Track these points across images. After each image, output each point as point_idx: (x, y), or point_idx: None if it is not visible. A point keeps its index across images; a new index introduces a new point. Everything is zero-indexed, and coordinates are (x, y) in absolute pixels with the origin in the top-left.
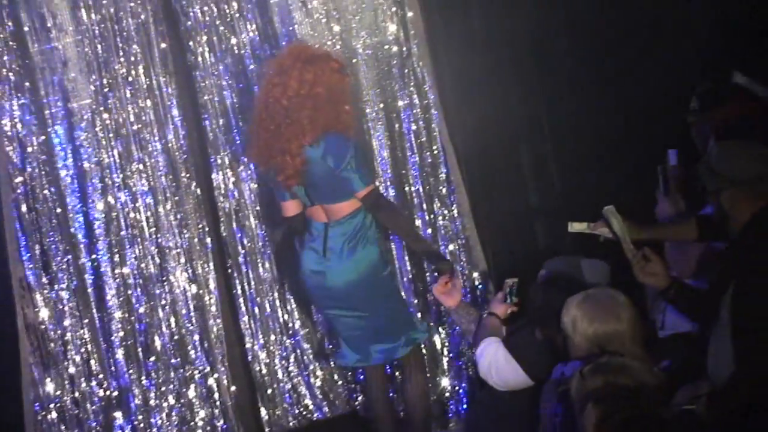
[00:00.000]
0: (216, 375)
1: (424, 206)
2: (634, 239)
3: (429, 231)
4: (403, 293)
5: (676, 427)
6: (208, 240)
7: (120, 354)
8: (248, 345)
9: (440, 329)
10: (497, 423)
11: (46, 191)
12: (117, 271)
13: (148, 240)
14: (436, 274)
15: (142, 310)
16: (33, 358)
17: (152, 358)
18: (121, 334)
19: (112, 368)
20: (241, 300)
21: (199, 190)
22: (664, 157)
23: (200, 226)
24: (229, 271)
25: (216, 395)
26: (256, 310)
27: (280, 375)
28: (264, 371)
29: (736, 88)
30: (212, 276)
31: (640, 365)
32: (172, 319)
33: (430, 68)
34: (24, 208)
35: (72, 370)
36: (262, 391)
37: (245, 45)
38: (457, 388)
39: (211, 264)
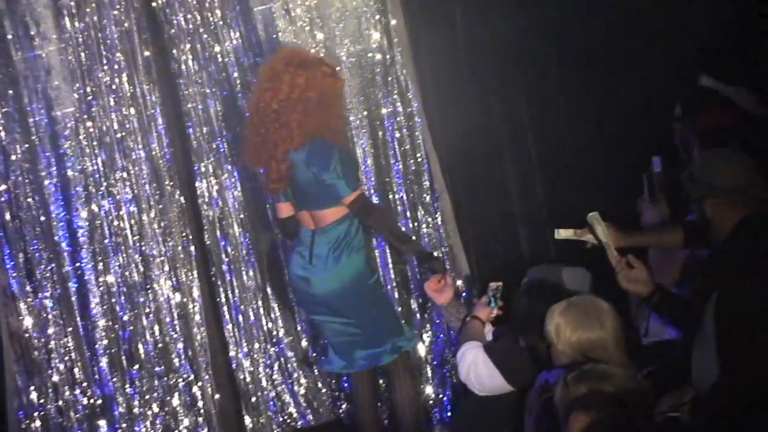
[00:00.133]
0: (200, 383)
1: (408, 214)
2: (620, 246)
3: (413, 239)
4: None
5: None
6: (192, 248)
7: (104, 362)
8: (232, 353)
9: (424, 337)
10: (482, 430)
11: (29, 199)
12: (101, 279)
13: (132, 248)
14: (431, 273)
15: (126, 318)
16: (17, 367)
17: (136, 367)
18: (105, 342)
19: (96, 376)
20: (225, 308)
21: (182, 198)
22: (648, 163)
23: (184, 234)
24: (213, 279)
25: (200, 403)
26: (240, 318)
27: (264, 383)
28: (248, 379)
29: (719, 96)
30: (196, 284)
31: (624, 372)
32: (156, 328)
33: (413, 76)
34: (7, 216)
35: (56, 378)
36: (246, 399)
37: (229, 53)
38: (441, 395)
39: (195, 272)
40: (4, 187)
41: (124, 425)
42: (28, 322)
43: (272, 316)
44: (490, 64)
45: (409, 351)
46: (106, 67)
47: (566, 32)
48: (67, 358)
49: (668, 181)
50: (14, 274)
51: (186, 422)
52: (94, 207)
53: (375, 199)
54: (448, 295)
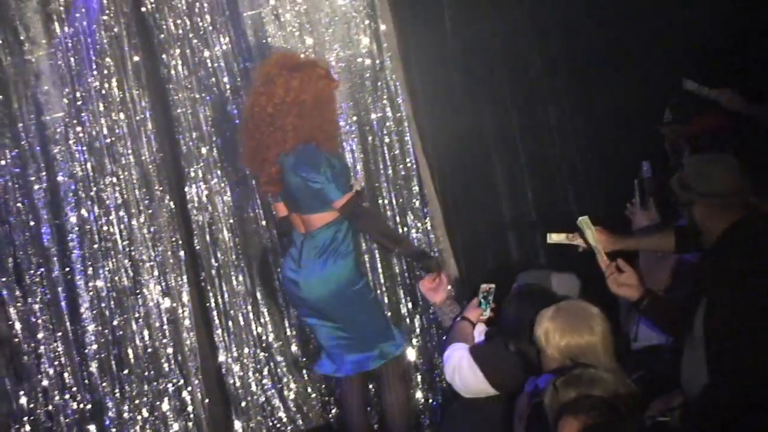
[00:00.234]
0: (190, 388)
1: (398, 219)
2: (612, 249)
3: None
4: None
5: None
6: (182, 253)
7: (94, 367)
8: (222, 358)
9: (413, 341)
10: None
11: (19, 204)
12: (90, 284)
13: (122, 253)
14: (425, 271)
15: (115, 323)
16: (6, 372)
17: (126, 371)
18: (95, 347)
19: (86, 381)
20: (214, 313)
21: (172, 203)
22: (638, 168)
23: (174, 239)
24: (203, 284)
25: (190, 408)
26: (230, 323)
27: (253, 388)
28: (238, 384)
29: (709, 101)
30: (186, 289)
31: (613, 377)
32: (146, 332)
33: (403, 81)
34: None
35: (45, 383)
36: (236, 404)
37: (218, 58)
38: (430, 400)
39: (185, 277)
40: None
41: (114, 430)
42: (17, 326)
43: (262, 320)
44: (480, 69)
45: (399, 356)
46: (95, 72)
47: (556, 37)
48: (56, 362)
49: (658, 186)
50: (3, 279)
51: (176, 427)
52: (83, 212)
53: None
54: (443, 293)
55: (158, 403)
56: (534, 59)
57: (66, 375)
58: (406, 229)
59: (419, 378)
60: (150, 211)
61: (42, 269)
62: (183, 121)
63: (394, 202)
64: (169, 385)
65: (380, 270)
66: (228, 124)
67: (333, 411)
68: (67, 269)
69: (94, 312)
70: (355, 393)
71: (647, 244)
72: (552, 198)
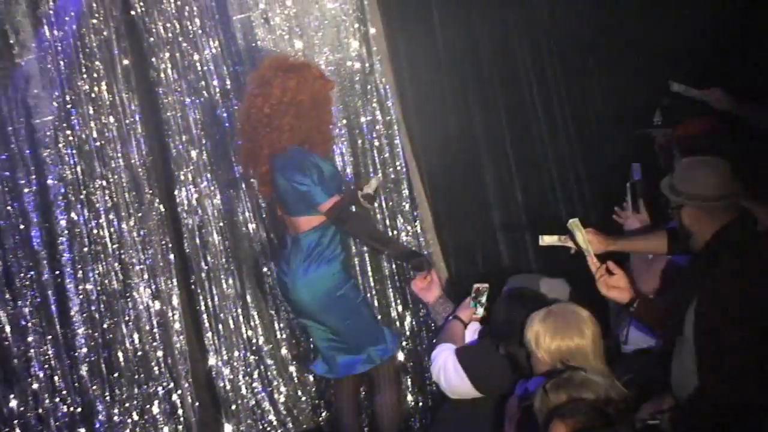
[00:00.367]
0: (180, 391)
1: (388, 222)
2: (605, 251)
3: (394, 240)
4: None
5: None
6: (172, 256)
7: (84, 370)
8: (212, 361)
9: (403, 344)
10: None
11: (9, 207)
12: (80, 287)
13: (111, 256)
14: (416, 271)
15: (105, 326)
16: None
17: (116, 375)
18: (85, 350)
19: (76, 384)
20: (204, 316)
21: (162, 207)
22: (628, 171)
23: (163, 242)
24: (193, 287)
25: (180, 411)
26: (220, 326)
27: (244, 391)
28: (228, 387)
29: (698, 103)
30: (176, 292)
31: (603, 380)
32: (136, 336)
33: (392, 84)
34: None
35: (36, 386)
36: (226, 407)
37: (208, 61)
38: (420, 404)
39: (175, 280)
40: None
41: None
42: (7, 329)
43: (252, 323)
44: (469, 72)
45: (390, 359)
46: (85, 76)
47: (545, 40)
48: (46, 366)
49: (648, 188)
50: None
51: (166, 430)
52: (73, 215)
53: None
54: (436, 292)
55: (148, 406)
56: (524, 61)
57: (56, 378)
58: (396, 232)
59: (409, 381)
60: (140, 215)
61: (32, 272)
62: (173, 124)
63: (384, 205)
64: (159, 388)
65: (370, 272)
66: (218, 127)
67: (323, 414)
68: (57, 272)
69: (84, 315)
70: (346, 395)
71: (640, 245)
72: (542, 200)
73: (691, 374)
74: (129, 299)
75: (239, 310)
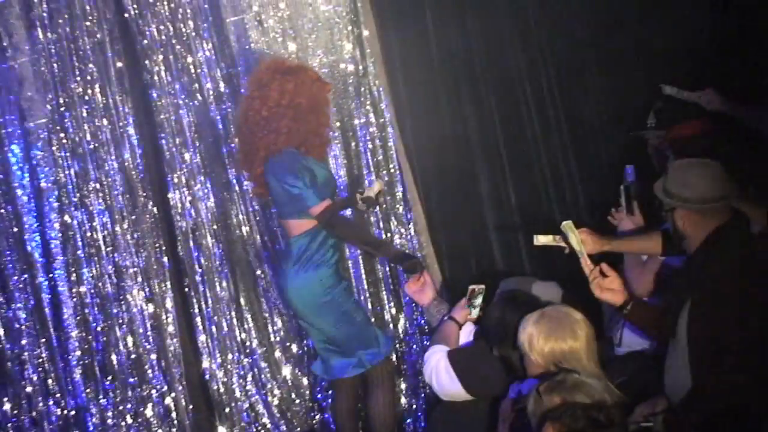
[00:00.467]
0: (173, 394)
1: (381, 224)
2: (600, 251)
3: (386, 242)
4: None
5: None
6: (165, 259)
7: (77, 373)
8: (206, 364)
9: (397, 347)
10: None
11: (2, 210)
12: (74, 290)
13: (105, 259)
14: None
15: (99, 329)
16: None
17: (110, 377)
18: (79, 353)
19: (70, 387)
20: (198, 319)
21: (155, 209)
22: (622, 173)
23: (157, 245)
24: (186, 290)
25: (173, 414)
26: (214, 329)
27: (237, 394)
28: (221, 390)
29: (691, 105)
30: (169, 295)
31: (597, 383)
32: (130, 338)
33: (386, 86)
34: None
35: (29, 389)
36: (219, 410)
37: (201, 64)
38: (414, 406)
39: (168, 283)
40: None
41: None
42: (1, 332)
43: (246, 326)
44: (462, 74)
45: (384, 361)
46: (78, 78)
47: (539, 42)
48: (40, 369)
49: (642, 190)
50: None
51: None
52: (67, 218)
53: (348, 210)
54: (430, 294)
55: (142, 409)
56: (517, 63)
57: (50, 381)
58: (389, 234)
59: (403, 383)
60: (133, 217)
61: (25, 275)
62: (166, 126)
63: (377, 207)
64: (153, 391)
65: (364, 275)
66: (211, 129)
67: (317, 416)
68: (51, 275)
69: (78, 318)
70: (342, 396)
71: (634, 246)
72: (535, 202)
73: (685, 376)
74: (123, 302)
75: (233, 313)
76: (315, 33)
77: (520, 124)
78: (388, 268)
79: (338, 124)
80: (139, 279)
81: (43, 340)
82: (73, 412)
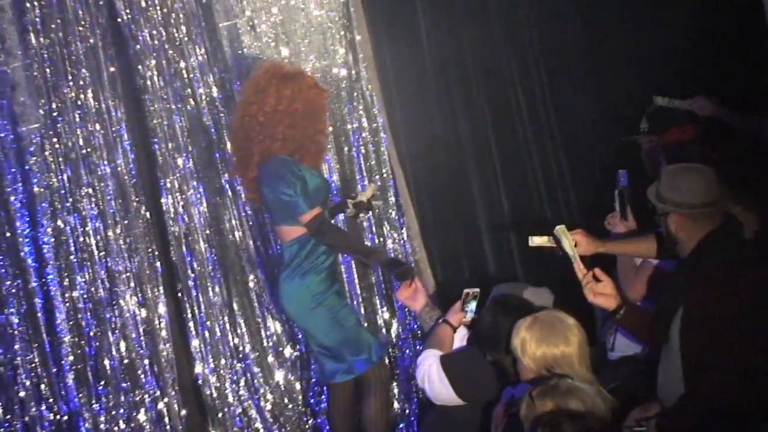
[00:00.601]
0: (166, 399)
1: (374, 229)
2: (594, 252)
3: (376, 250)
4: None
5: None
6: (158, 264)
7: (70, 378)
8: (198, 369)
9: (390, 352)
10: None
11: None
12: (67, 295)
13: (98, 264)
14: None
15: (91, 334)
16: None
17: (102, 383)
18: (71, 358)
19: (63, 392)
20: (191, 324)
21: (148, 214)
22: (613, 176)
23: (150, 250)
24: (179, 295)
25: (166, 419)
26: (206, 333)
27: (230, 399)
28: (214, 395)
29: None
30: (162, 300)
31: (590, 387)
32: (122, 343)
33: (378, 91)
34: None
35: (22, 394)
36: (212, 415)
37: (194, 68)
38: (407, 411)
39: (161, 288)
40: None
41: None
42: None
43: (238, 331)
44: (455, 78)
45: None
46: (71, 83)
47: (530, 46)
48: (33, 374)
49: (635, 194)
50: None
51: None
52: (59, 223)
53: (340, 216)
54: (422, 300)
55: (135, 414)
56: (509, 67)
57: (43, 386)
58: (382, 239)
59: (395, 388)
60: (126, 222)
61: (18, 280)
62: (159, 131)
63: (370, 213)
64: (146, 396)
65: (357, 280)
66: (204, 134)
67: (310, 422)
68: (44, 280)
69: (71, 323)
70: (337, 400)
71: (630, 248)
72: (528, 206)
73: (678, 381)
74: (115, 307)
75: (226, 318)
76: (308, 38)
77: (512, 127)
78: (380, 273)
79: (331, 128)
80: (132, 284)
81: (36, 345)
82: (65, 417)
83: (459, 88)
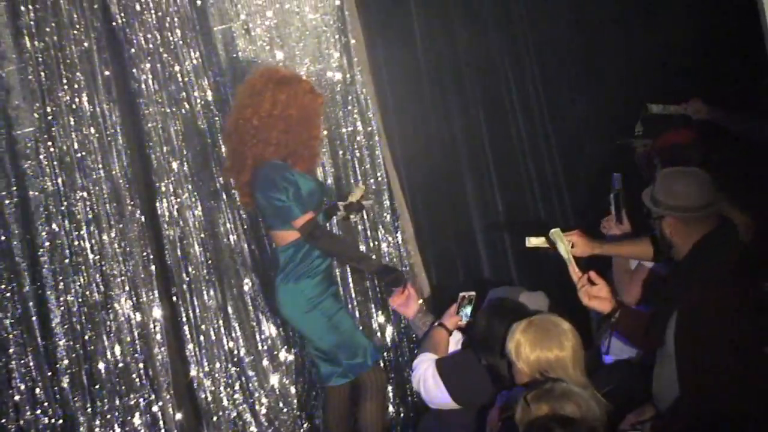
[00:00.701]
0: (161, 403)
1: (369, 233)
2: (591, 254)
3: (369, 256)
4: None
5: None
6: (153, 267)
7: (65, 382)
8: (193, 372)
9: (384, 355)
10: None
11: None
12: (61, 298)
13: (93, 268)
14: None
15: (86, 338)
16: None
17: (97, 386)
18: (66, 362)
19: (57, 396)
20: (186, 327)
21: (143, 218)
22: (608, 179)
23: (145, 253)
24: (174, 298)
25: (161, 423)
26: (201, 337)
27: (225, 402)
28: (209, 399)
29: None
30: (157, 303)
31: (584, 391)
32: (117, 347)
33: (373, 95)
34: None
35: (17, 398)
36: (207, 419)
37: (189, 72)
38: (402, 414)
39: (156, 291)
40: None
41: None
42: None
43: (233, 335)
44: (450, 82)
45: (374, 370)
46: (66, 87)
47: (526, 49)
48: (28, 378)
49: (629, 198)
50: None
51: None
52: (54, 227)
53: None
54: (414, 306)
55: (129, 417)
56: (504, 71)
57: (37, 390)
58: (377, 242)
59: (391, 392)
60: (121, 226)
61: (13, 284)
62: (154, 135)
63: (365, 216)
64: (141, 399)
65: (351, 284)
66: (199, 138)
67: (305, 425)
68: (38, 284)
69: (66, 327)
70: (334, 402)
71: (626, 250)
72: (523, 210)
73: (673, 384)
74: (110, 311)
75: (220, 322)
76: (302, 41)
77: (506, 130)
78: (375, 278)
79: (325, 132)
80: (127, 288)
81: (31, 349)
82: (60, 421)
83: (453, 91)
